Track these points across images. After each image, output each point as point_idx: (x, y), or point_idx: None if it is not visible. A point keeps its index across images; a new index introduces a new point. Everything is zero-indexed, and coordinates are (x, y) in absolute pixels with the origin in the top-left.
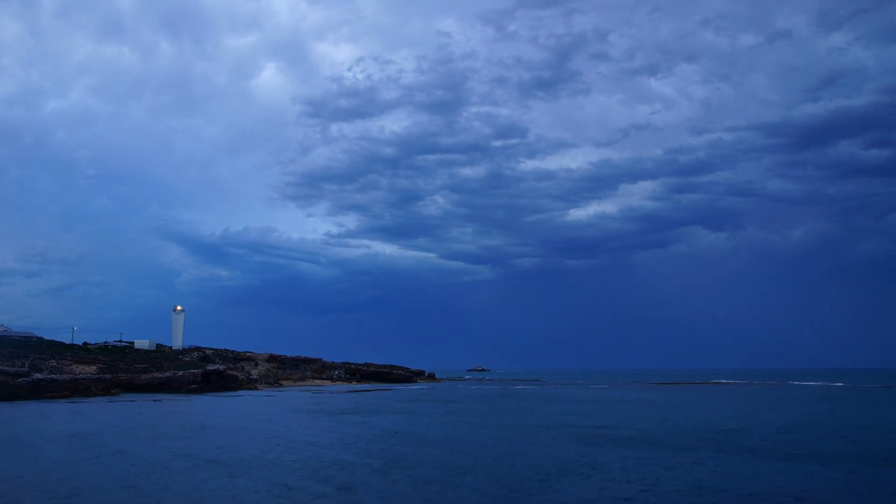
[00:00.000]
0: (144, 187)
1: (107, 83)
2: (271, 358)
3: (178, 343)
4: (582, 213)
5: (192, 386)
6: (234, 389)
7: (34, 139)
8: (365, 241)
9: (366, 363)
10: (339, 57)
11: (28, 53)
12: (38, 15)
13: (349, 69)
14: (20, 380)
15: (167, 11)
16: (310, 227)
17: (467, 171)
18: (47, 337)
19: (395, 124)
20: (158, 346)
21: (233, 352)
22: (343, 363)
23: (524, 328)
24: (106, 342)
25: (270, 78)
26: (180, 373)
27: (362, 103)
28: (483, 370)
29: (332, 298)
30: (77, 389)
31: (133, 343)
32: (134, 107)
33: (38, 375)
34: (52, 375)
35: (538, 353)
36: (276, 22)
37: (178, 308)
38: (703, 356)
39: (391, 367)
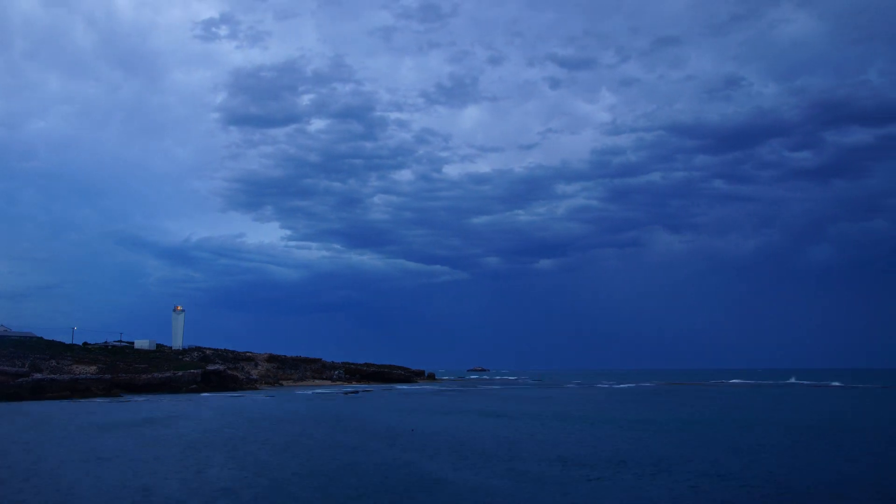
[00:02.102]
0: (122, 200)
1: (80, 111)
2: (271, 358)
3: (178, 343)
4: (533, 214)
5: (192, 386)
6: (234, 389)
7: (18, 156)
8: (326, 244)
9: (366, 363)
10: (246, 65)
11: (6, 86)
12: (11, 56)
13: (251, 75)
14: (20, 380)
15: (122, 52)
16: (265, 233)
17: (398, 175)
18: (47, 337)
19: (310, 128)
20: (158, 346)
21: (233, 352)
22: (343, 363)
23: (512, 329)
24: (106, 342)
25: (216, 102)
26: (180, 373)
27: (276, 110)
28: (483, 370)
29: (309, 299)
30: (77, 389)
31: (133, 343)
32: (107, 132)
33: (39, 375)
34: (53, 375)
35: (531, 353)
36: (225, 58)
37: (178, 308)
38: (672, 357)
39: (391, 367)
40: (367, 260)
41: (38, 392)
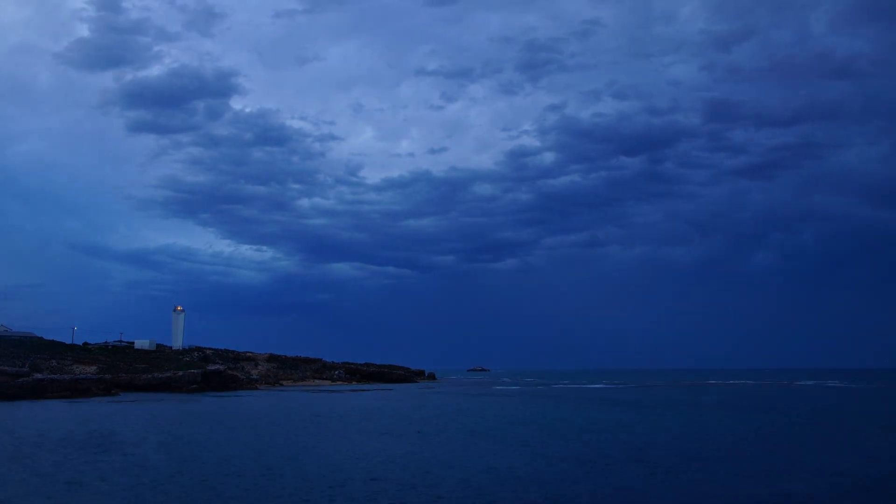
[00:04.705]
0: (87, 213)
1: (56, 140)
2: (271, 358)
3: (178, 343)
4: (471, 215)
5: (193, 386)
6: (235, 389)
7: (4, 175)
8: (276, 247)
9: (366, 363)
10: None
11: None
12: None
13: (148, 88)
14: (21, 380)
15: (79, 90)
16: (211, 237)
17: (315, 180)
18: (47, 337)
19: (215, 135)
20: (158, 346)
21: (233, 352)
22: (343, 363)
23: (510, 329)
24: (106, 342)
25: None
26: (180, 373)
27: (185, 118)
28: (483, 370)
29: (283, 299)
30: (77, 389)
31: (133, 343)
32: (82, 157)
33: (39, 375)
34: (53, 375)
35: (532, 353)
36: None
37: (179, 308)
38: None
39: (391, 367)
40: (326, 262)
41: (39, 392)
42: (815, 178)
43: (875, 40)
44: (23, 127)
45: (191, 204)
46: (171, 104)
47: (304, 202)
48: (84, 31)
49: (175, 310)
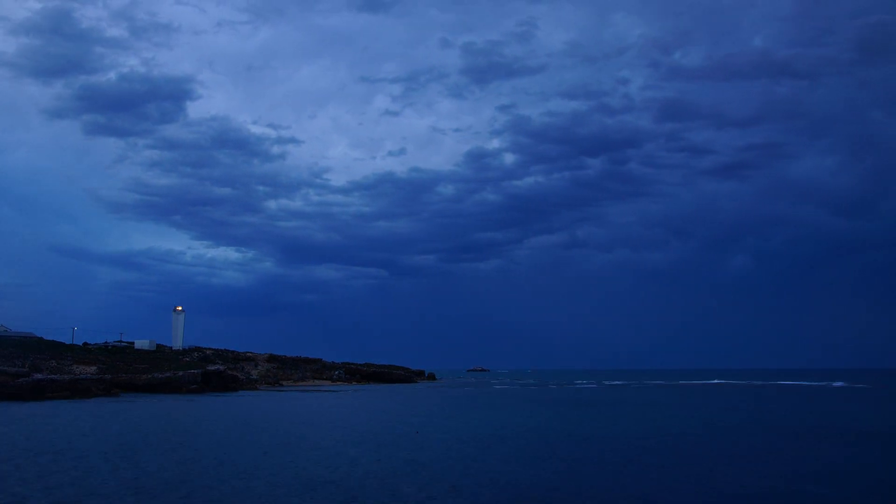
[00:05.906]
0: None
1: (44, 153)
2: (271, 358)
3: (178, 343)
4: (446, 216)
5: (193, 386)
6: (235, 390)
7: None
8: (254, 250)
9: (366, 363)
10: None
11: None
12: None
13: (104, 93)
14: (20, 380)
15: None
16: (188, 239)
17: (280, 181)
18: (47, 337)
19: (180, 135)
20: (158, 346)
21: (233, 352)
22: (343, 363)
23: (507, 329)
24: (106, 342)
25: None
26: (180, 373)
27: (140, 123)
28: (483, 370)
29: (268, 300)
30: (77, 390)
31: (133, 343)
32: (72, 167)
33: (39, 376)
34: (53, 376)
35: (531, 353)
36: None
37: (178, 308)
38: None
39: (391, 367)
40: (308, 264)
41: (38, 392)
42: (781, 180)
43: (829, 46)
44: (13, 136)
45: (161, 206)
46: (125, 108)
47: (272, 204)
48: (33, 39)
49: (175, 310)
